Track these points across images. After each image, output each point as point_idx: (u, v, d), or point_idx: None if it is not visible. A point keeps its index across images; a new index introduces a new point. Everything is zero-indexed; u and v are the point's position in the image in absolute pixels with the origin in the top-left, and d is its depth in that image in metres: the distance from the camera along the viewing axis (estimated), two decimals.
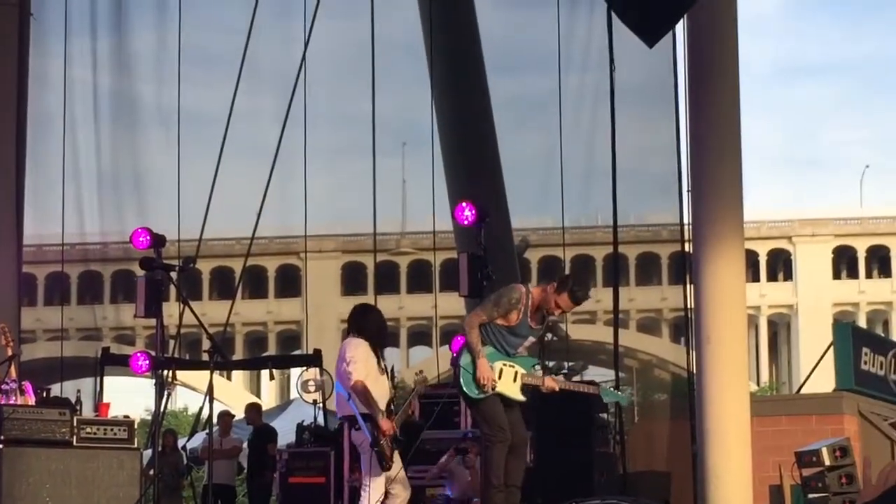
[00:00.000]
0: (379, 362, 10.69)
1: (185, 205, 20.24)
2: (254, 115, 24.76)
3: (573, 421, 13.48)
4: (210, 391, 11.10)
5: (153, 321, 11.02)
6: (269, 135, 20.84)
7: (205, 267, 57.75)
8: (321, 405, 17.07)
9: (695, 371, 14.19)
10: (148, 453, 14.28)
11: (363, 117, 21.30)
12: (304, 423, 15.93)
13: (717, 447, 13.47)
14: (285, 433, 18.95)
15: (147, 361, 11.97)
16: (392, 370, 14.23)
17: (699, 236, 14.05)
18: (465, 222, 12.06)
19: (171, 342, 17.57)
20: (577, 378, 17.82)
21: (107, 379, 18.02)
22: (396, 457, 10.54)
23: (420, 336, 65.26)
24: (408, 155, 37.91)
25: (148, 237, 10.68)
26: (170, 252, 10.92)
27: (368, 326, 10.74)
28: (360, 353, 10.55)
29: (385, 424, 10.29)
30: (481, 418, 10.15)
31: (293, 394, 26.59)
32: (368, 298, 42.97)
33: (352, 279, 63.98)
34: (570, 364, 17.55)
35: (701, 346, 13.77)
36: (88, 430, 12.06)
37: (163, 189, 20.84)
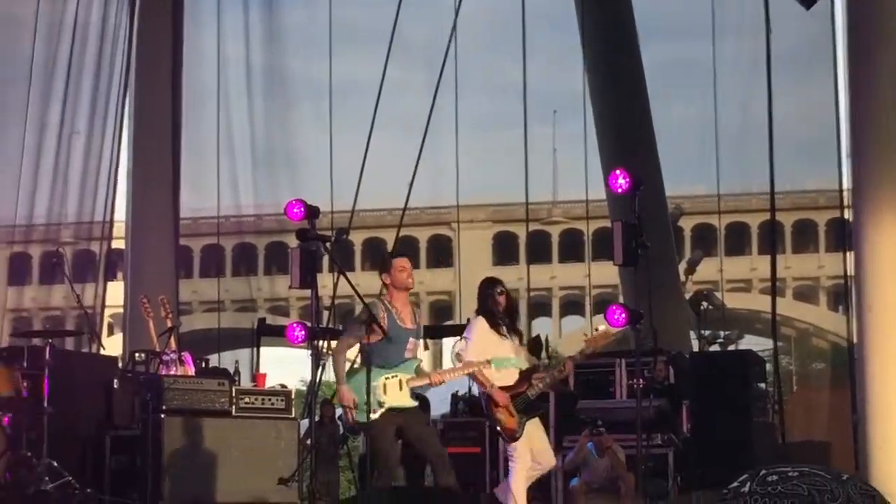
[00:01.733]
0: (502, 337, 10.49)
1: (337, 177, 20.39)
2: (404, 87, 24.86)
3: (732, 391, 13.32)
4: (366, 361, 11.10)
5: (307, 292, 11.03)
6: (419, 106, 20.89)
7: (357, 238, 58.09)
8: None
9: (855, 340, 13.94)
10: (304, 423, 14.41)
11: (513, 86, 21.24)
12: (459, 394, 15.94)
13: (880, 417, 13.22)
14: (440, 403, 18.99)
15: (303, 332, 11.99)
16: (546, 340, 14.08)
17: (860, 202, 13.77)
18: (619, 190, 11.84)
19: (325, 313, 17.69)
20: (732, 347, 17.64)
21: (261, 349, 18.21)
22: (533, 426, 10.41)
23: (572, 305, 64.99)
24: (558, 123, 37.73)
25: (302, 208, 10.67)
26: (322, 224, 10.92)
27: (482, 302, 10.69)
28: (474, 331, 10.49)
29: (499, 396, 10.18)
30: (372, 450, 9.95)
31: (446, 364, 26.67)
32: (520, 268, 42.99)
33: (503, 249, 63.90)
34: (726, 333, 17.38)
35: (862, 315, 13.52)
36: (247, 400, 12.22)
37: (315, 161, 21.00)
